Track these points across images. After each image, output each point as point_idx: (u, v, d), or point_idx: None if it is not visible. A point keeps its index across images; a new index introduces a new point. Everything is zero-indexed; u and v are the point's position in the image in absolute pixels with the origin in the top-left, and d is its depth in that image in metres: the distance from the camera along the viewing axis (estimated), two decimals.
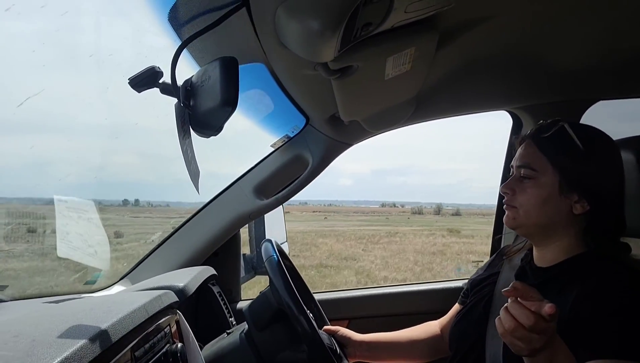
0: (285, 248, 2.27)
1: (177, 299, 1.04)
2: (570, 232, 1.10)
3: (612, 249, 1.08)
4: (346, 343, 1.39)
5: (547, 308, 0.76)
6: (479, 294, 1.28)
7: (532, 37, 1.18)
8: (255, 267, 2.05)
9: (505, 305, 0.82)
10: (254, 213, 1.66)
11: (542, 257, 1.16)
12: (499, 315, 1.15)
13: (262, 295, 1.28)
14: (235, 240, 1.82)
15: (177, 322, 1.05)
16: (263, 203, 1.63)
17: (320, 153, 1.60)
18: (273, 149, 1.66)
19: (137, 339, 0.78)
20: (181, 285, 1.16)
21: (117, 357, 0.71)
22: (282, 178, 1.67)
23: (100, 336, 0.67)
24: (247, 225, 1.95)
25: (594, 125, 1.14)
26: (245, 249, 2.01)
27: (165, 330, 0.92)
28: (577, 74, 1.41)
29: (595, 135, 1.12)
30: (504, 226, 1.86)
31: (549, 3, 1.01)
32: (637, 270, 1.02)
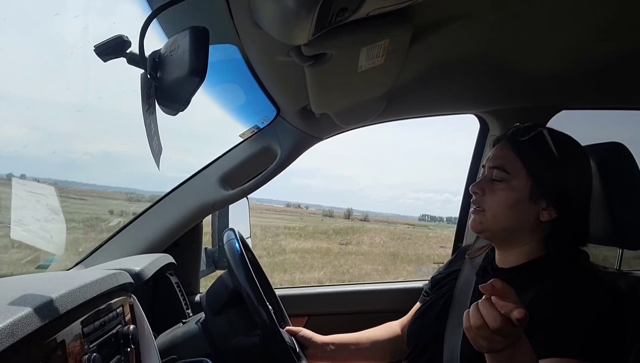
0: (249, 243, 2.25)
1: (132, 281, 1.00)
2: (534, 238, 1.12)
3: (571, 255, 1.10)
4: (307, 344, 1.37)
5: (517, 313, 0.73)
6: (440, 291, 1.29)
7: (503, 41, 1.20)
8: (216, 262, 2.01)
9: (479, 301, 0.80)
10: (218, 203, 1.63)
11: (504, 259, 1.17)
12: (459, 311, 1.17)
13: (219, 278, 1.26)
14: (197, 231, 1.79)
15: (132, 307, 1.01)
16: (228, 193, 1.60)
17: (289, 146, 1.59)
18: (242, 139, 1.64)
19: (87, 315, 0.75)
20: (137, 268, 1.12)
21: (66, 329, 0.68)
22: (249, 169, 1.65)
23: (49, 306, 0.64)
24: (210, 220, 1.92)
25: None
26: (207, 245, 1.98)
27: (118, 310, 0.89)
28: (546, 81, 1.45)
29: (571, 144, 1.14)
30: (466, 233, 1.92)
31: (521, 6, 1.03)
32: (594, 273, 1.05)
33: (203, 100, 1.41)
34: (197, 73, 0.66)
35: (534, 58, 1.30)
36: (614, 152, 1.22)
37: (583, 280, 1.02)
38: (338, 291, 1.91)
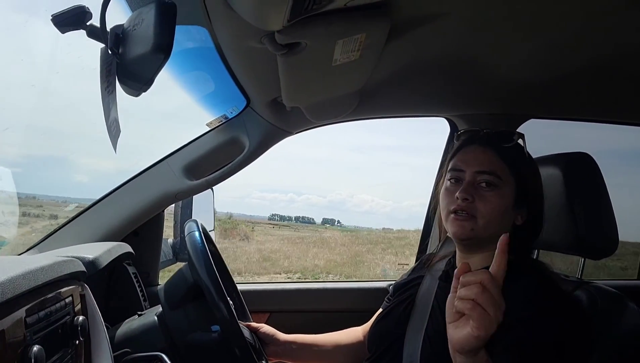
0: (213, 236, 2.20)
1: (84, 270, 0.94)
2: None
3: (528, 260, 1.13)
4: (269, 341, 1.35)
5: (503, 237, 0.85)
6: (402, 296, 1.29)
7: (478, 45, 1.19)
8: (177, 253, 1.96)
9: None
10: (181, 193, 1.58)
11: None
12: (420, 316, 1.17)
13: (179, 271, 1.22)
14: (158, 220, 1.73)
15: (83, 297, 0.96)
16: (192, 184, 1.55)
17: (257, 138, 1.55)
18: (209, 128, 1.59)
19: (31, 304, 0.69)
20: (91, 256, 1.06)
21: (6, 318, 0.62)
22: (215, 160, 1.61)
23: None
24: (173, 212, 1.87)
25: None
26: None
27: (67, 300, 0.83)
28: (517, 88, 1.46)
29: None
30: (430, 240, 1.92)
31: (497, 13, 1.03)
32: (552, 280, 1.06)
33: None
34: (162, 49, 0.62)
35: (507, 65, 1.31)
36: (581, 162, 1.24)
37: (541, 285, 1.04)
38: (301, 288, 1.89)
